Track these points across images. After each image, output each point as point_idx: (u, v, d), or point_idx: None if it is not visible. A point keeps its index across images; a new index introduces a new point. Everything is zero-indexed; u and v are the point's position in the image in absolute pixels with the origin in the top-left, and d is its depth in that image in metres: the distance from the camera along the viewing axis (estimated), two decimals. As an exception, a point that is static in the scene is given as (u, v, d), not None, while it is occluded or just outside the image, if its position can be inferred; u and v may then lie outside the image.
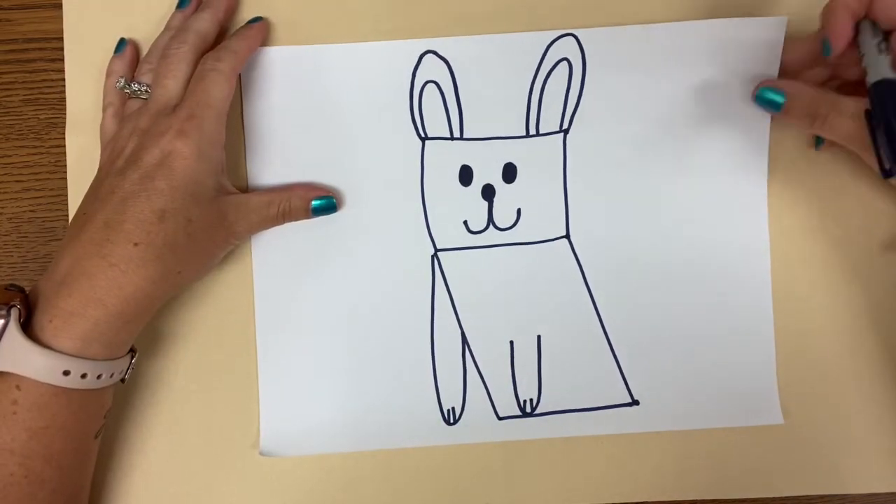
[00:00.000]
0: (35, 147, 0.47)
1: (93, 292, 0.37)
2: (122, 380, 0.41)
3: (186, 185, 0.39)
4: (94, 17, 0.46)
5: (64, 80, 0.46)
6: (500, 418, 0.46)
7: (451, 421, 0.46)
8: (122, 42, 0.45)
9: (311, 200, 0.44)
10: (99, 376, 0.38)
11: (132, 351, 0.41)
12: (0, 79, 0.47)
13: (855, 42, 0.41)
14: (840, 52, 0.41)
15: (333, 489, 0.46)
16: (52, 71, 0.47)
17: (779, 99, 0.42)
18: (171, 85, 0.41)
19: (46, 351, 0.36)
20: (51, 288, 0.38)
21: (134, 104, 0.43)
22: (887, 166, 0.38)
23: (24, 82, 0.47)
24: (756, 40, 0.44)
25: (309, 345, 0.46)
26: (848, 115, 0.40)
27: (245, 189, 0.46)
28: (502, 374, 0.46)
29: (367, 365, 0.46)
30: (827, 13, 0.41)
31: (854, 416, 0.46)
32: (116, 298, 0.38)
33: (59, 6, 0.46)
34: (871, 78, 0.39)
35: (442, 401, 0.46)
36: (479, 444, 0.46)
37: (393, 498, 0.46)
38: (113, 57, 0.45)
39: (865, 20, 0.41)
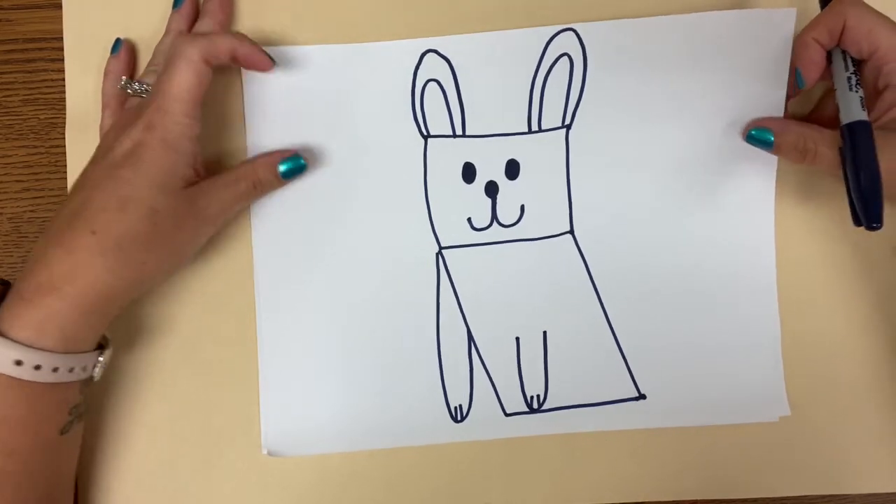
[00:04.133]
0: (35, 147, 0.47)
1: (49, 280, 0.37)
2: (93, 378, 0.40)
3: (153, 174, 0.39)
4: (94, 17, 0.46)
5: (64, 80, 0.46)
6: (507, 415, 0.46)
7: (459, 418, 0.46)
8: (117, 42, 0.45)
9: (278, 165, 0.44)
10: (55, 369, 0.37)
11: (102, 347, 0.41)
12: (0, 79, 0.47)
13: (829, 70, 0.41)
14: (813, 84, 0.41)
15: (336, 488, 0.46)
16: (52, 71, 0.46)
17: (768, 138, 0.43)
18: None
19: None
20: (19, 279, 0.38)
21: (133, 103, 0.43)
22: (857, 215, 0.38)
23: (24, 82, 0.47)
24: (765, 33, 0.44)
25: (312, 343, 0.46)
26: (836, 148, 0.40)
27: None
28: (509, 370, 0.46)
29: (372, 363, 0.46)
30: (798, 46, 0.41)
31: (855, 417, 0.46)
32: (72, 287, 0.37)
33: (59, 6, 0.46)
34: (843, 119, 0.40)
35: (449, 398, 0.46)
36: (481, 443, 0.46)
37: (396, 497, 0.46)
38: (110, 57, 0.45)
39: (837, 49, 0.41)
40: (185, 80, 0.39)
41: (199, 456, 0.46)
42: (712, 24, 0.44)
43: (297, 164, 0.44)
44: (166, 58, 0.41)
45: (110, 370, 0.45)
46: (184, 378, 0.46)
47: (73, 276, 0.37)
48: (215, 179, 0.42)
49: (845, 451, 0.46)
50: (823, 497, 0.47)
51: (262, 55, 0.43)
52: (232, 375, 0.46)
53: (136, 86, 0.43)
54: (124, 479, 0.45)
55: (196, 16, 0.45)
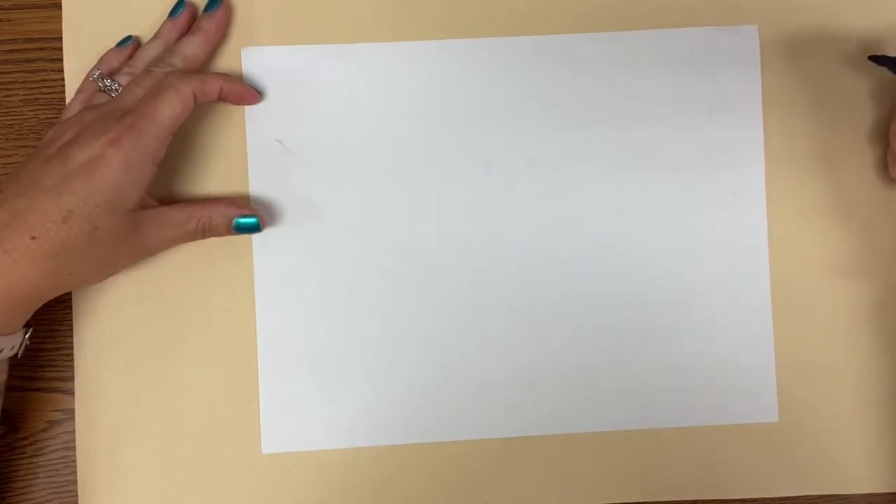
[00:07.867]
0: (35, 147, 0.46)
1: None
2: (17, 355, 0.42)
3: (104, 192, 0.38)
4: (94, 17, 0.46)
5: (64, 80, 0.46)
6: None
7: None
8: (127, 38, 0.45)
9: (233, 218, 0.44)
10: None
11: (26, 327, 0.42)
12: (0, 79, 0.47)
13: None
14: None
15: (336, 488, 0.46)
16: (52, 71, 0.46)
17: None
18: (140, 93, 0.41)
19: None
20: None
21: (101, 98, 0.43)
22: None
23: (24, 82, 0.47)
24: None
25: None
26: None
27: (247, 195, 0.46)
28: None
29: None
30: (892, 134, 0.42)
31: (854, 416, 0.46)
32: (2, 283, 0.38)
33: (59, 6, 0.46)
34: None
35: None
36: (481, 442, 0.46)
37: (396, 497, 0.46)
38: (112, 48, 0.45)
39: None
40: (169, 107, 0.40)
41: (199, 456, 0.46)
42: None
43: (253, 223, 0.44)
44: (154, 86, 0.41)
45: (109, 371, 0.45)
46: (183, 377, 0.46)
47: (4, 274, 0.38)
48: (166, 211, 0.42)
49: (845, 451, 0.46)
50: (823, 497, 0.47)
51: (250, 90, 0.45)
52: (232, 375, 0.46)
53: (107, 82, 0.43)
54: (124, 479, 0.45)
55: (189, 29, 0.45)
